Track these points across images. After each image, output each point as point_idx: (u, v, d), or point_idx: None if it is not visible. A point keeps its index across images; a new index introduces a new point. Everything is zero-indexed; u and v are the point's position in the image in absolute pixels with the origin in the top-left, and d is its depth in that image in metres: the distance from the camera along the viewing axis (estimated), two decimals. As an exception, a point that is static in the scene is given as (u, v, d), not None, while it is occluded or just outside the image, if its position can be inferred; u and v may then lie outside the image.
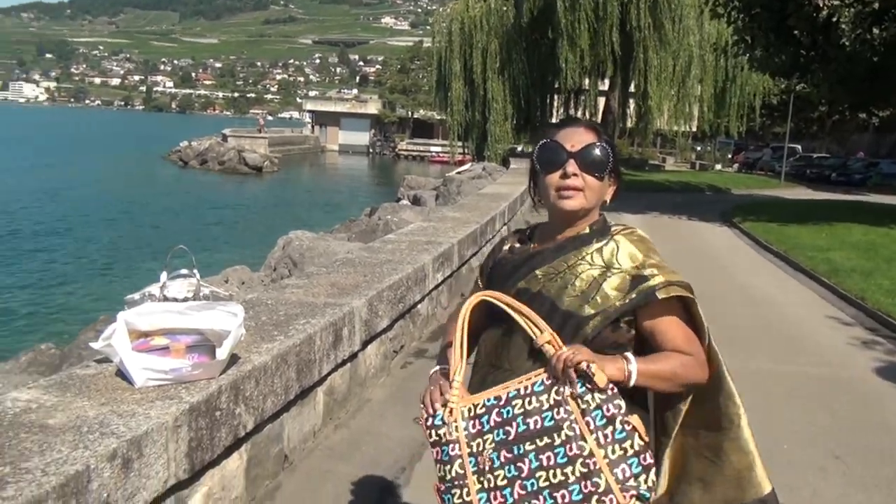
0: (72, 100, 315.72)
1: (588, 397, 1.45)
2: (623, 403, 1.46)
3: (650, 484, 1.43)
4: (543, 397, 1.48)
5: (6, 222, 22.85)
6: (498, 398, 1.53)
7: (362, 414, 4.17)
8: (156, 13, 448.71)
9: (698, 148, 46.18)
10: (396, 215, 11.21)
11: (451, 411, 1.56)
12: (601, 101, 28.33)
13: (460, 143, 28.32)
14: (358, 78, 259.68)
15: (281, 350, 3.15)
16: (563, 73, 23.86)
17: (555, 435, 1.44)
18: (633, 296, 1.58)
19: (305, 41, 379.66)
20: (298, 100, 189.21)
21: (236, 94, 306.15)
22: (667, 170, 36.74)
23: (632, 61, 24.84)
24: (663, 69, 24.22)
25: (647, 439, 1.45)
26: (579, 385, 1.45)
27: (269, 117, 73.63)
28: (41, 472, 1.91)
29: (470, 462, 1.51)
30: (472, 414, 1.54)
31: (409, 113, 68.49)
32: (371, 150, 68.32)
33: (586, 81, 26.59)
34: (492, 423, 1.51)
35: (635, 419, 1.46)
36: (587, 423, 1.44)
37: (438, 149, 58.49)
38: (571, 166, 1.64)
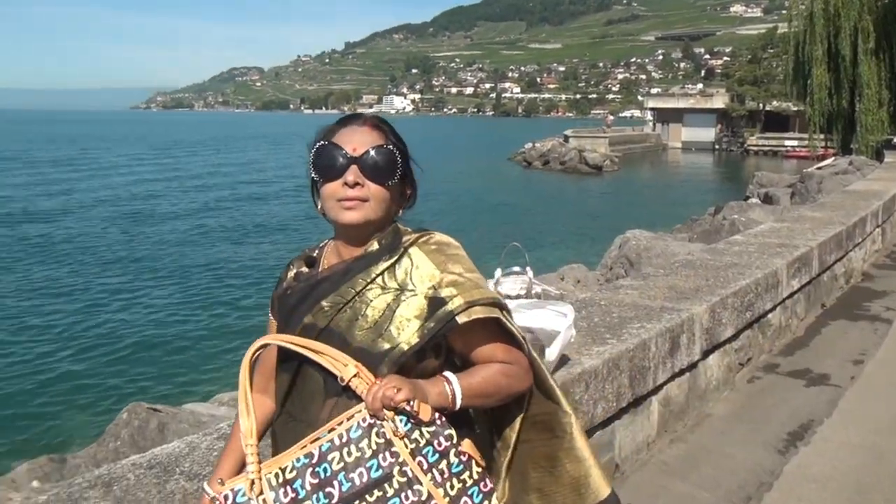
0: (432, 109, 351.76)
1: (415, 434, 1.26)
2: (453, 432, 1.30)
3: None
4: (364, 443, 1.25)
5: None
6: (309, 455, 1.26)
7: (701, 429, 3.84)
8: (505, 24, 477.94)
9: None
10: (744, 214, 10.36)
11: (252, 484, 1.28)
12: None
13: (821, 136, 25.35)
14: (703, 72, 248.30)
15: (613, 354, 3.01)
16: (959, 46, 20.15)
17: (386, 486, 1.23)
18: (432, 325, 1.36)
19: (648, 38, 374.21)
20: (640, 98, 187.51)
21: (578, 96, 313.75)
22: None
23: None
24: None
25: (483, 463, 1.32)
26: (402, 422, 1.25)
27: (611, 117, 73.95)
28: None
29: None
30: (280, 480, 1.27)
31: (761, 105, 63.55)
32: (717, 147, 64.70)
33: None
34: (308, 488, 1.24)
35: (468, 445, 1.32)
36: (419, 464, 1.25)
37: (794, 143, 53.60)
38: (353, 174, 1.39)
